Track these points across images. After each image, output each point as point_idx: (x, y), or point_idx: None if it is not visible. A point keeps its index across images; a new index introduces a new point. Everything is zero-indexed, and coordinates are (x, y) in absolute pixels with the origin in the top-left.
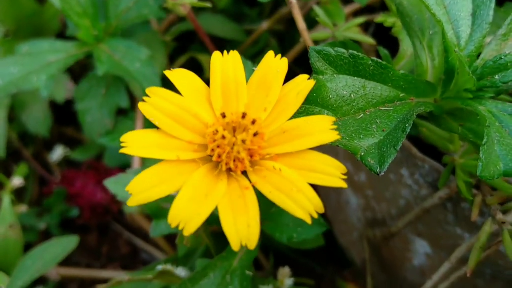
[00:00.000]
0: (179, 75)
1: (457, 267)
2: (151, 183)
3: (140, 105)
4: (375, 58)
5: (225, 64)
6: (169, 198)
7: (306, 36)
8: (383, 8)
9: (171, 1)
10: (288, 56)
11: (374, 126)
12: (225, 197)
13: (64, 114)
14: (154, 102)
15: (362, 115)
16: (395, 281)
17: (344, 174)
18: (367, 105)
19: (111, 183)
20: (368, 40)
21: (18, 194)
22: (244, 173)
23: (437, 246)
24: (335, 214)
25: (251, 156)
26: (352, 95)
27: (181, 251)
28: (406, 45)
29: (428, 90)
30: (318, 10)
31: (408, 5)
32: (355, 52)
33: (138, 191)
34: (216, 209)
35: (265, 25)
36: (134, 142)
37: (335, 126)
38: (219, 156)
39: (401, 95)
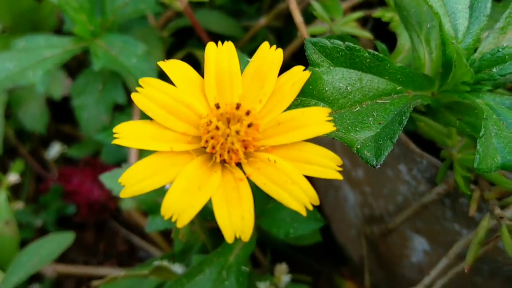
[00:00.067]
0: (173, 66)
1: (456, 264)
2: (144, 175)
3: (133, 95)
4: (371, 51)
5: (219, 55)
6: (165, 193)
7: (303, 30)
8: (381, 3)
9: None
10: (286, 51)
11: (370, 119)
12: (219, 189)
13: (61, 111)
14: (147, 93)
15: (358, 108)
16: (393, 278)
17: (342, 171)
18: (363, 98)
19: (106, 178)
20: (366, 34)
21: (15, 191)
22: (239, 165)
23: (435, 242)
24: (333, 211)
25: (245, 147)
26: (348, 88)
27: (177, 247)
28: (404, 40)
29: (425, 83)
30: (315, 4)
31: None
32: (351, 44)
33: (131, 183)
34: (212, 205)
35: (263, 21)
36: (127, 133)
37: (330, 118)
38: (213, 147)
39: (398, 88)
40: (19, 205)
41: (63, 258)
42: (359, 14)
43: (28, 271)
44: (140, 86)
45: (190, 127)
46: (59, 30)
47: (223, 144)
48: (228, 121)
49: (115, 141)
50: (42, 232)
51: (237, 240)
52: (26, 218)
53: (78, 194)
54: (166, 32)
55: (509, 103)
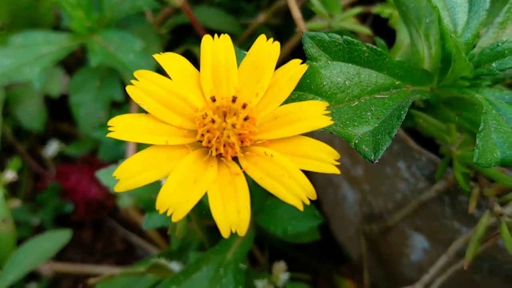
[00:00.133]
0: (169, 59)
1: (455, 262)
2: (139, 169)
3: (128, 88)
4: (370, 45)
5: (215, 48)
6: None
7: (302, 26)
8: (381, 0)
9: None
10: (285, 48)
11: (369, 113)
12: (215, 183)
13: (59, 109)
14: (142, 86)
15: (356, 102)
16: (392, 276)
17: (339, 165)
18: (362, 93)
19: (103, 175)
20: (365, 30)
21: (12, 189)
22: (235, 159)
23: (435, 240)
24: (332, 210)
25: (242, 141)
26: (346, 82)
27: (174, 244)
28: (403, 36)
29: (424, 78)
30: (314, 0)
31: None
32: (349, 38)
33: (125, 176)
34: (208, 200)
35: (261, 18)
36: (122, 127)
37: (328, 112)
38: (209, 141)
39: (396, 83)
40: (16, 203)
41: (61, 256)
42: (358, 10)
43: (24, 269)
44: (135, 79)
45: (185, 121)
46: (56, 27)
47: (219, 138)
48: (224, 115)
49: (109, 134)
50: (39, 230)
51: (234, 237)
52: (23, 216)
53: (75, 192)
54: (164, 29)
55: (508, 98)
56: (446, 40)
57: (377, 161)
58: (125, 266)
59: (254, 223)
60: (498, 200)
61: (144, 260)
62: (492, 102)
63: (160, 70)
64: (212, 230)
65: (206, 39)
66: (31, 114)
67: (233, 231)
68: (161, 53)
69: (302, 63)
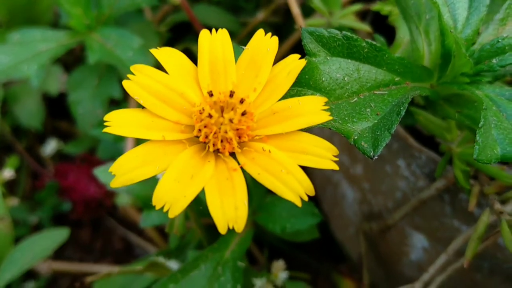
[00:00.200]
0: (167, 54)
1: (455, 261)
2: (136, 164)
3: (125, 83)
4: (369, 40)
5: (213, 42)
6: None
7: (301, 22)
8: None
9: None
10: (285, 45)
11: (368, 110)
12: (212, 179)
13: (57, 108)
14: (139, 80)
15: (356, 99)
16: (392, 276)
17: (339, 165)
18: (361, 89)
19: (100, 172)
20: (364, 27)
21: (11, 188)
22: (233, 155)
23: (434, 239)
24: (331, 209)
25: (239, 137)
26: (345, 78)
27: (173, 243)
28: (402, 33)
29: (424, 75)
30: None
31: None
32: (349, 33)
33: (122, 172)
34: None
35: (260, 16)
36: (118, 122)
37: (327, 107)
38: (206, 136)
39: (396, 79)
40: (14, 201)
41: (59, 255)
42: (357, 7)
43: (21, 268)
44: (132, 73)
45: (183, 116)
46: (55, 25)
47: (216, 133)
48: (222, 110)
49: (106, 129)
50: (37, 229)
51: (233, 235)
52: (21, 215)
53: (74, 191)
54: (163, 27)
55: (508, 94)
56: (446, 36)
57: (376, 157)
58: (123, 265)
59: (253, 221)
60: (498, 198)
61: (142, 258)
62: (493, 98)
63: (159, 67)
64: (211, 228)
65: (204, 33)
66: (30, 112)
67: (231, 227)
68: (158, 47)
69: (300, 58)
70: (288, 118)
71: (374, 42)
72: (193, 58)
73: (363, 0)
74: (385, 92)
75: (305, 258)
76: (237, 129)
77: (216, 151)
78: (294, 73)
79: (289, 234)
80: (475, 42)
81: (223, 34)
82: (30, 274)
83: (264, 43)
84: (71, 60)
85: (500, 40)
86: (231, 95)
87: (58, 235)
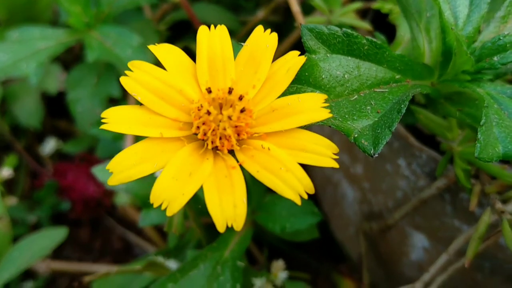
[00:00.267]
0: (165, 50)
1: (456, 260)
2: (133, 162)
3: (123, 79)
4: (369, 37)
5: (212, 38)
6: None
7: (301, 20)
8: None
9: None
10: (284, 44)
11: (368, 107)
12: (210, 176)
13: (57, 107)
14: (137, 77)
15: (356, 96)
16: (392, 276)
17: (339, 164)
18: (361, 87)
19: (99, 171)
20: (365, 25)
21: (10, 187)
22: (232, 152)
23: (435, 239)
24: (331, 208)
25: (238, 134)
26: (346, 76)
27: (172, 242)
28: (403, 31)
29: (425, 72)
30: None
31: None
32: (349, 30)
33: (119, 169)
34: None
35: (260, 14)
36: (116, 118)
37: (326, 104)
38: (205, 134)
39: (397, 77)
40: (13, 200)
41: (58, 255)
42: (358, 4)
43: (19, 267)
44: (130, 70)
45: (181, 113)
46: (54, 24)
47: (215, 130)
48: (221, 107)
49: (103, 126)
50: (36, 228)
51: (232, 234)
52: (20, 214)
53: (73, 190)
54: (163, 25)
55: (510, 92)
56: (447, 34)
57: (376, 155)
58: (122, 264)
59: (252, 221)
60: (500, 197)
61: (141, 258)
62: (494, 96)
63: (159, 66)
64: (210, 227)
65: (202, 29)
66: (29, 111)
67: (229, 225)
68: (156, 44)
69: (300, 55)
70: (287, 116)
71: (374, 39)
72: (193, 56)
73: None
74: (386, 90)
75: (305, 258)
76: (236, 126)
77: (215, 149)
78: (294, 70)
79: (289, 233)
80: (476, 40)
81: (221, 31)
82: (28, 274)
83: (263, 39)
84: (70, 58)
85: (501, 38)
86: (230, 91)
87: (56, 235)
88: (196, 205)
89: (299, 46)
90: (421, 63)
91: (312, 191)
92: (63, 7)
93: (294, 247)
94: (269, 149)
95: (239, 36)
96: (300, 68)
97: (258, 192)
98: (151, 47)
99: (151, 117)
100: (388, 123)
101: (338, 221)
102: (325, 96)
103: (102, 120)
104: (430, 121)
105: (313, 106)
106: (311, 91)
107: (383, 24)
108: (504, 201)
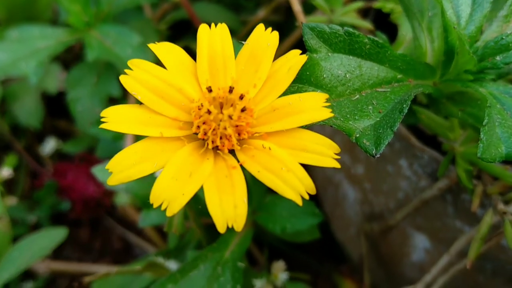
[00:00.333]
0: (165, 49)
1: (457, 262)
2: (133, 161)
3: (122, 78)
4: (371, 36)
5: (212, 37)
6: None
7: (302, 19)
8: None
9: None
10: (285, 44)
11: (370, 107)
12: (211, 176)
13: (57, 107)
14: (136, 75)
15: (358, 96)
16: (393, 277)
17: (339, 159)
18: (363, 86)
19: (98, 171)
20: (366, 25)
21: (9, 187)
22: (232, 152)
23: (436, 240)
24: (332, 209)
25: (239, 134)
26: (347, 75)
27: (172, 243)
28: (405, 30)
29: (427, 72)
30: None
31: None
32: (350, 29)
33: (119, 169)
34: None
35: (261, 14)
36: (115, 117)
37: (328, 104)
38: (205, 133)
39: (398, 76)
40: (13, 200)
41: (58, 255)
42: (359, 4)
43: (19, 267)
44: (129, 68)
45: (181, 112)
46: (54, 23)
47: (215, 130)
48: (221, 106)
49: (102, 125)
50: (36, 228)
51: (232, 235)
52: (20, 214)
53: (73, 190)
54: (163, 25)
55: None
56: (449, 33)
57: (378, 155)
58: (122, 265)
59: (253, 221)
60: (502, 198)
61: (141, 258)
62: (497, 96)
63: (159, 65)
64: (210, 228)
65: (203, 28)
66: (29, 111)
67: (230, 226)
68: (156, 42)
69: (301, 54)
70: (288, 115)
71: (376, 38)
72: (193, 56)
73: None
74: (388, 90)
75: (306, 258)
76: (237, 126)
77: (215, 148)
78: (295, 69)
79: (290, 234)
80: (479, 39)
81: (222, 29)
82: (28, 274)
83: (264, 38)
84: (70, 58)
85: (504, 37)
86: (231, 90)
87: (56, 235)
88: (197, 205)
89: (300, 46)
90: (423, 63)
91: (313, 191)
92: (62, 6)
93: (295, 247)
94: (270, 149)
95: (239, 35)
96: (301, 67)
97: (258, 193)
98: (151, 46)
99: (151, 116)
100: (390, 123)
101: (339, 222)
102: (326, 96)
103: (102, 120)
104: (432, 121)
105: (314, 105)
106: (313, 91)
107: (384, 24)
108: (506, 202)
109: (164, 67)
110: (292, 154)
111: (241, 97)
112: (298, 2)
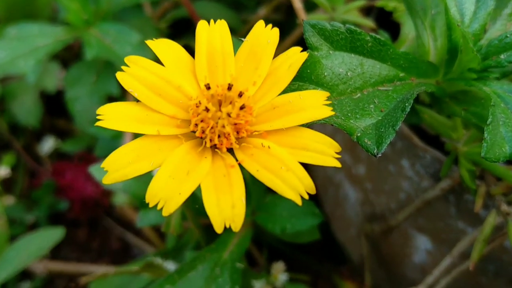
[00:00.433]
0: (163, 45)
1: (460, 263)
2: (129, 160)
3: (119, 75)
4: (373, 34)
5: (211, 33)
6: None
7: (303, 16)
8: None
9: None
10: (286, 43)
11: (372, 106)
12: (208, 175)
13: (56, 105)
14: (133, 72)
15: (359, 94)
16: (394, 278)
17: (340, 158)
18: (364, 85)
19: (96, 170)
20: (368, 23)
21: (8, 187)
22: (231, 151)
23: (438, 241)
24: (333, 210)
25: (237, 132)
26: (349, 73)
27: (170, 243)
28: (407, 29)
29: (430, 70)
30: None
31: None
32: (352, 27)
33: (114, 168)
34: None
35: (262, 12)
36: (111, 115)
37: (329, 102)
38: (203, 131)
39: (401, 75)
40: (10, 200)
41: (56, 255)
42: (361, 2)
43: (16, 267)
44: (126, 65)
45: (179, 110)
46: (54, 21)
47: (213, 128)
48: (220, 104)
49: (98, 123)
50: (34, 228)
51: (231, 235)
52: (18, 213)
53: (71, 189)
54: (163, 23)
55: None
56: (453, 31)
57: (380, 155)
58: (121, 265)
59: (252, 221)
60: (505, 199)
61: (140, 259)
62: (501, 95)
63: (159, 63)
64: (209, 228)
65: (202, 24)
66: (27, 110)
67: (227, 226)
68: (154, 39)
69: (302, 51)
70: (288, 113)
71: (378, 36)
72: (193, 55)
73: None
74: (390, 88)
75: (306, 259)
76: (235, 124)
77: (213, 147)
78: (296, 67)
79: (289, 234)
80: (483, 37)
81: (221, 26)
82: (26, 275)
83: (264, 34)
84: (69, 57)
85: (508, 35)
86: (229, 88)
87: (53, 234)
88: (195, 205)
89: (302, 45)
90: (426, 61)
91: (313, 191)
92: (61, 4)
93: (295, 248)
94: (269, 147)
95: (240, 34)
96: (302, 65)
97: (258, 192)
98: (149, 42)
99: (148, 114)
100: (392, 122)
101: (339, 222)
102: (327, 94)
103: (98, 117)
104: (434, 121)
105: (314, 103)
106: (313, 89)
107: (387, 23)
108: (510, 203)
109: (162, 64)
110: (292, 153)
111: (240, 95)
112: (299, 0)
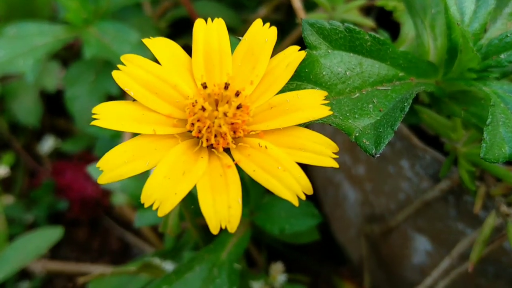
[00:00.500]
0: (159, 44)
1: (459, 265)
2: (125, 159)
3: (115, 73)
4: (372, 33)
5: (209, 32)
6: None
7: (302, 15)
8: None
9: None
10: (285, 43)
11: (370, 106)
12: (204, 175)
13: (55, 105)
14: (129, 71)
15: (358, 94)
16: (394, 279)
17: (340, 165)
18: (363, 84)
19: (94, 170)
20: (368, 22)
21: (7, 186)
22: (227, 151)
23: (438, 242)
24: (332, 210)
25: (234, 132)
26: (347, 73)
27: (168, 243)
28: (407, 29)
29: (429, 70)
30: None
31: None
32: (351, 26)
33: (110, 167)
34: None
35: (262, 12)
36: (107, 114)
37: (327, 101)
38: (200, 131)
39: (400, 74)
40: (9, 199)
41: (55, 255)
42: (361, 1)
43: (15, 267)
44: (122, 64)
45: (175, 109)
46: (54, 20)
47: (210, 127)
48: (217, 103)
49: (94, 122)
50: (33, 228)
51: (229, 236)
52: (17, 213)
53: (71, 189)
54: (163, 22)
55: None
56: (452, 30)
57: (378, 155)
58: (120, 265)
59: (251, 222)
60: (505, 200)
61: (138, 259)
62: (501, 95)
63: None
64: (208, 229)
65: (199, 22)
66: (27, 109)
67: (223, 227)
68: (150, 37)
69: (300, 49)
70: (286, 113)
71: (377, 35)
72: (191, 54)
73: None
74: (389, 88)
75: (305, 260)
76: (232, 124)
77: (210, 147)
78: (293, 66)
79: (289, 235)
80: (483, 37)
81: (219, 24)
82: (24, 275)
83: (262, 33)
84: (69, 56)
85: (508, 35)
86: (226, 87)
87: (52, 234)
88: (192, 205)
89: (301, 45)
90: (426, 61)
91: (310, 191)
92: (61, 2)
93: (294, 249)
94: (266, 147)
95: (240, 34)
96: (300, 64)
97: (256, 193)
98: (146, 41)
99: (144, 113)
100: (391, 122)
101: (339, 223)
102: (325, 93)
103: (93, 116)
104: (434, 121)
105: (312, 103)
106: (311, 88)
107: (387, 22)
108: (509, 204)
109: (159, 63)
110: (289, 153)
111: (237, 94)
112: None
